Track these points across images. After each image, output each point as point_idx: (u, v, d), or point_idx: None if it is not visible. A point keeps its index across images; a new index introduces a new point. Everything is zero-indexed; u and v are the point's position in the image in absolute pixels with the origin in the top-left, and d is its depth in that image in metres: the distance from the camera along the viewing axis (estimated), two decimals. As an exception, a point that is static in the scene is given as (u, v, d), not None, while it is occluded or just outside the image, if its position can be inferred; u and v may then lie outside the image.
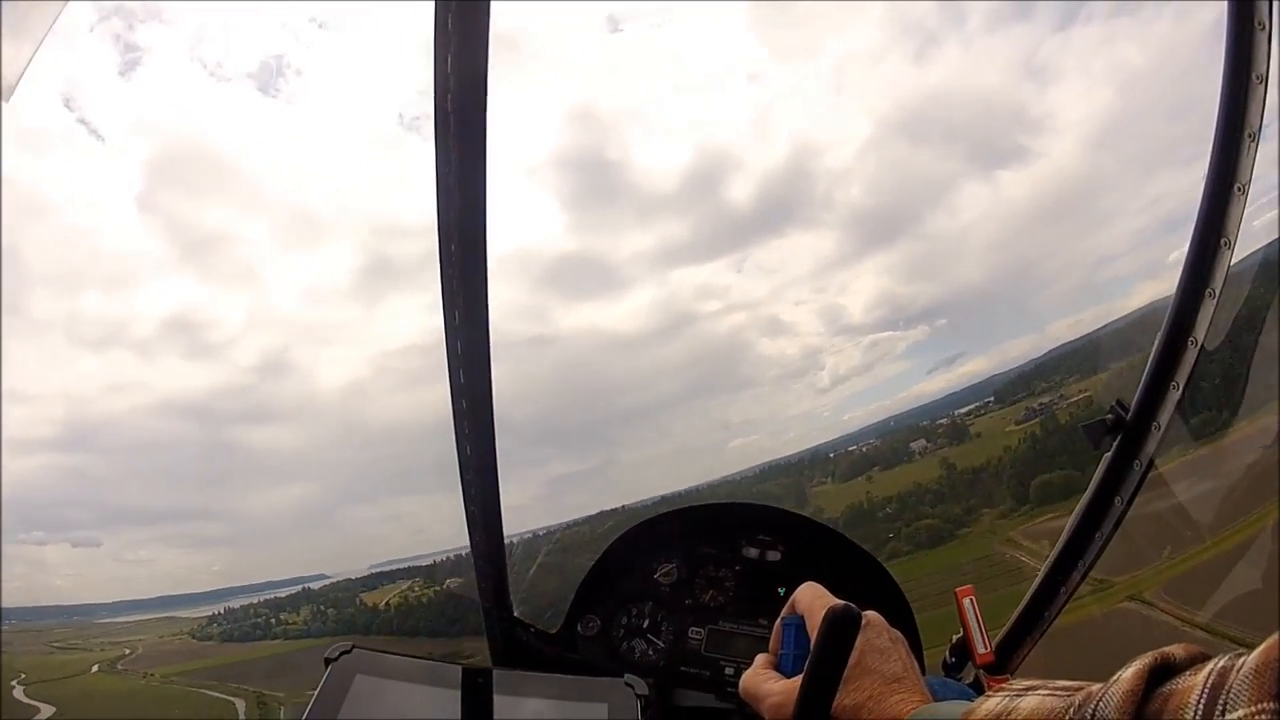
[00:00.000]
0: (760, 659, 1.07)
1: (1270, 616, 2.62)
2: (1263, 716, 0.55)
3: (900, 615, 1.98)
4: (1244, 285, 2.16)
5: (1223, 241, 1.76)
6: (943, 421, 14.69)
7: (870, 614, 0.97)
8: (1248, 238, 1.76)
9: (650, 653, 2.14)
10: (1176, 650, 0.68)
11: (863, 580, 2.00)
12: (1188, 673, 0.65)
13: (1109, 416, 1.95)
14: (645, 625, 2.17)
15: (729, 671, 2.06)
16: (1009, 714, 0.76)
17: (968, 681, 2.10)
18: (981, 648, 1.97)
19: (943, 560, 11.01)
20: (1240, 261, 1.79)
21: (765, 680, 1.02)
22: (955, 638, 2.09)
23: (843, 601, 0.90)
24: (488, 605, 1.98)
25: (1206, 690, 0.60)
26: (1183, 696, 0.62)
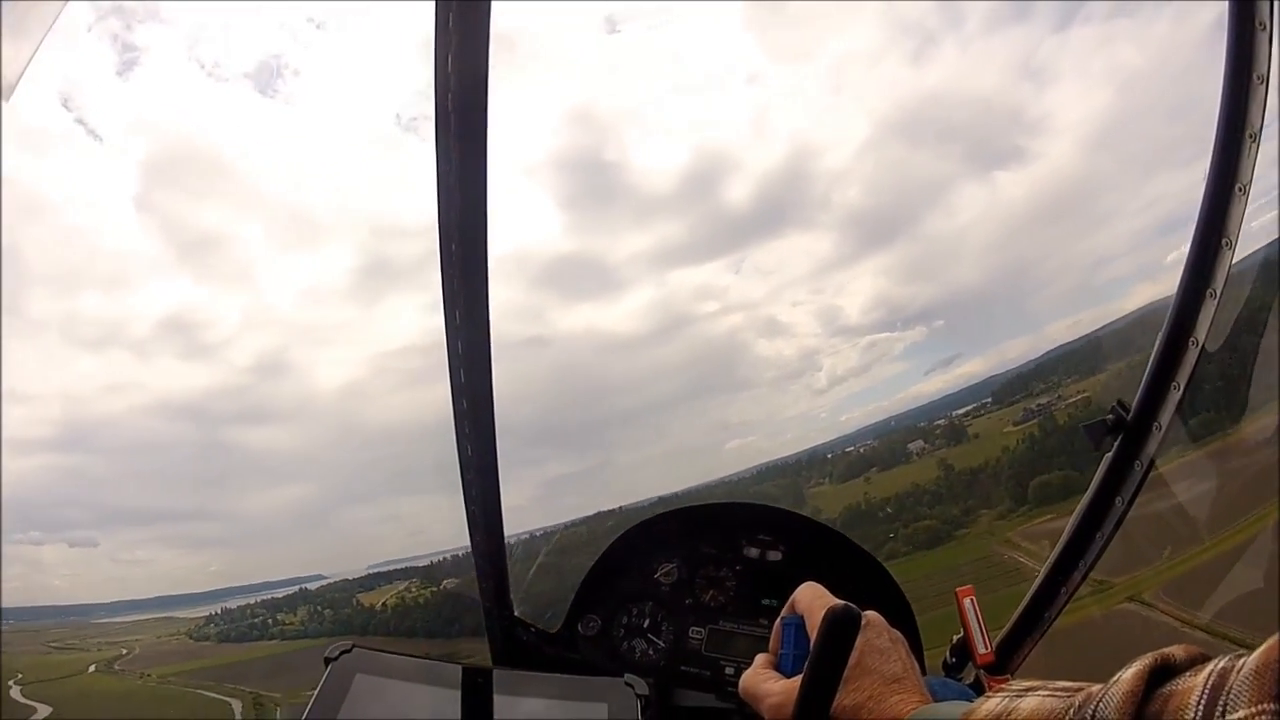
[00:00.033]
0: (760, 659, 1.07)
1: (1270, 617, 2.62)
2: (1263, 717, 0.55)
3: (901, 615, 1.98)
4: (1245, 286, 2.17)
5: (1224, 242, 1.76)
6: (940, 422, 14.71)
7: (870, 614, 0.97)
8: (1248, 238, 1.77)
9: (650, 652, 2.14)
10: (1176, 651, 0.68)
11: (863, 580, 2.00)
12: (1188, 674, 0.65)
13: (1110, 417, 1.95)
14: (645, 625, 2.17)
15: (729, 671, 2.06)
16: (1009, 714, 0.76)
17: (968, 682, 2.10)
18: (982, 648, 1.97)
19: (941, 561, 11.00)
20: (1240, 261, 1.79)
21: (765, 680, 1.01)
22: (955, 638, 2.09)
23: (843, 601, 0.90)
24: (488, 605, 1.99)
25: (1207, 691, 0.60)
26: (1183, 697, 0.62)
